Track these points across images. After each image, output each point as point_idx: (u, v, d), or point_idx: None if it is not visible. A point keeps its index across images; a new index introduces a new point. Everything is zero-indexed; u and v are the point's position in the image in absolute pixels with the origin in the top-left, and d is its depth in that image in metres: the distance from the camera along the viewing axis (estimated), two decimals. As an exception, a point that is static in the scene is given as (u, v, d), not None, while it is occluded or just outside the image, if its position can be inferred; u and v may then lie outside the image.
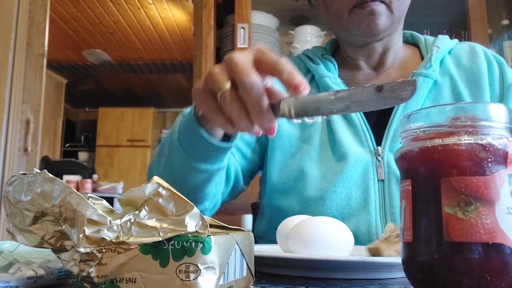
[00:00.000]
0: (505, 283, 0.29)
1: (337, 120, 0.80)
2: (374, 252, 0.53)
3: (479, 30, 1.92)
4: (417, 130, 0.32)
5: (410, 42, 0.92)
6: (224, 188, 0.79)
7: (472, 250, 0.29)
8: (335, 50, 0.93)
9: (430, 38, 0.89)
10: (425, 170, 0.31)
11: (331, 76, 0.84)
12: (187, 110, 0.67)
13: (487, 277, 0.29)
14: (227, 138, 0.64)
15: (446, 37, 0.88)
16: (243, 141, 0.84)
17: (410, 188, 0.32)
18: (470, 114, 0.31)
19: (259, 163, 0.88)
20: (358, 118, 0.80)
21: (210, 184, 0.69)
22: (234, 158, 0.82)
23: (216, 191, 0.74)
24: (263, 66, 0.47)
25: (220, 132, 0.62)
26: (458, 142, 0.30)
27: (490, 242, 0.28)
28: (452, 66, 0.83)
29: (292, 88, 0.45)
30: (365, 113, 0.80)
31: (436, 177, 0.30)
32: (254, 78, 0.46)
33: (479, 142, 0.30)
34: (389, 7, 0.77)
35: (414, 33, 0.93)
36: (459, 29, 2.02)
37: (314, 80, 0.87)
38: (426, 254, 0.31)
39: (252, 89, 0.46)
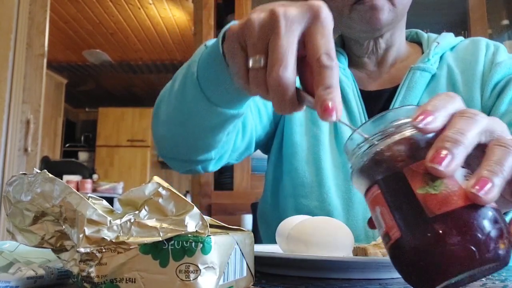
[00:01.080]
0: (496, 230, 0.31)
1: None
2: (360, 252, 0.53)
3: (479, 30, 1.92)
4: (364, 142, 0.36)
5: (415, 40, 0.92)
6: (240, 142, 0.77)
7: (458, 215, 0.31)
8: (342, 46, 0.93)
9: (433, 35, 0.89)
10: (386, 169, 0.35)
11: (341, 66, 0.85)
12: (211, 42, 0.58)
13: (480, 232, 0.31)
14: None
15: (451, 34, 0.88)
16: (263, 104, 0.82)
17: (379, 191, 0.35)
18: (401, 116, 0.36)
19: (269, 131, 0.87)
20: (359, 111, 0.81)
21: (222, 131, 0.64)
22: (251, 116, 0.79)
23: (227, 141, 0.70)
24: (307, 50, 0.40)
25: None
26: (405, 136, 0.35)
27: (466, 204, 0.31)
28: (451, 59, 0.83)
29: (320, 108, 0.38)
30: (367, 109, 0.81)
31: (398, 170, 0.34)
32: (287, 73, 0.39)
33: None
34: (390, 0, 0.76)
35: (419, 31, 0.92)
36: (459, 29, 2.02)
37: None
38: (418, 238, 0.32)
39: (280, 83, 0.39)
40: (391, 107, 0.79)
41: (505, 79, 0.77)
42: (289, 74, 0.39)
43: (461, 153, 0.33)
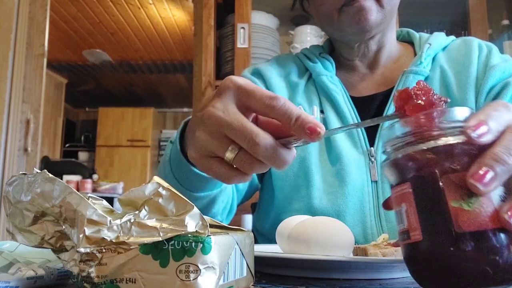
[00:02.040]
0: None
1: (332, 119, 0.81)
2: (360, 252, 0.53)
3: (479, 30, 1.92)
4: (406, 136, 0.35)
5: (407, 40, 0.92)
6: (242, 185, 0.81)
7: (485, 237, 0.31)
8: (332, 50, 0.94)
9: (425, 35, 0.88)
10: (424, 171, 0.34)
11: (328, 74, 0.85)
12: (174, 136, 0.62)
13: (502, 258, 0.31)
14: None
15: (442, 34, 0.88)
16: None
17: (410, 190, 0.34)
18: (450, 117, 0.34)
19: None
20: (351, 116, 0.80)
21: (216, 204, 0.68)
22: None
23: (226, 203, 0.74)
24: (255, 110, 0.43)
25: None
26: (452, 142, 0.33)
27: (496, 227, 0.31)
28: (443, 60, 0.83)
29: (307, 134, 0.40)
30: (360, 114, 0.81)
31: (436, 176, 0.33)
32: (263, 140, 0.41)
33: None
34: (378, 1, 0.76)
35: (411, 30, 0.92)
36: (460, 29, 2.02)
37: (311, 79, 0.87)
38: (440, 248, 0.32)
39: (266, 151, 0.41)
40: (385, 112, 0.79)
41: (500, 84, 0.76)
42: (266, 139, 0.41)
43: (504, 174, 0.32)
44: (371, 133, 0.79)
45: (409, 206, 0.34)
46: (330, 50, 0.93)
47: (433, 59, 0.83)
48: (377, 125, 0.79)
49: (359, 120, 0.80)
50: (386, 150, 0.37)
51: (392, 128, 0.36)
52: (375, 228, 0.74)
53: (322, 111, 0.83)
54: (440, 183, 0.33)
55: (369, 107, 0.82)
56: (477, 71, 0.79)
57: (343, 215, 0.75)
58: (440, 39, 0.85)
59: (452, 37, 0.88)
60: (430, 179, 0.33)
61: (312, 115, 0.82)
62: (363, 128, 0.79)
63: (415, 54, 0.86)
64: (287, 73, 0.89)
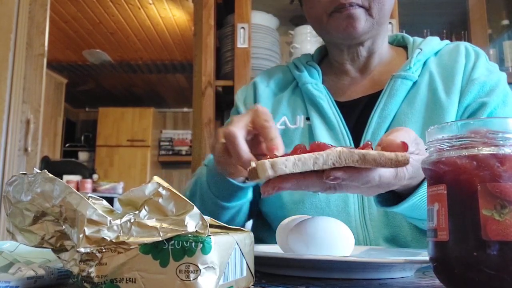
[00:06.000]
0: None
1: (318, 125, 0.81)
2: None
3: (479, 30, 1.92)
4: (451, 140, 0.36)
5: (401, 44, 0.92)
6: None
7: (509, 247, 0.32)
8: (323, 58, 0.95)
9: (418, 40, 0.88)
10: (463, 176, 0.35)
11: (313, 82, 0.86)
12: (208, 161, 0.80)
13: None
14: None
15: (435, 38, 0.88)
16: None
17: (445, 192, 0.35)
18: (498, 128, 0.35)
19: None
20: (337, 120, 0.81)
21: (240, 215, 0.79)
22: None
23: (245, 215, 0.83)
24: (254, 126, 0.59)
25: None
26: (495, 152, 0.34)
27: None
28: (433, 65, 0.83)
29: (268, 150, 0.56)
30: (344, 116, 0.81)
31: (473, 183, 0.34)
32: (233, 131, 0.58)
33: None
34: (368, 11, 0.77)
35: (405, 35, 0.92)
36: (459, 29, 2.02)
37: (298, 87, 0.88)
38: (464, 252, 0.34)
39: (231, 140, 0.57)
40: (371, 115, 0.79)
41: (477, 101, 0.76)
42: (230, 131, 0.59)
43: None
44: (358, 134, 0.79)
45: (441, 206, 0.36)
46: (321, 57, 0.94)
47: (424, 63, 0.83)
48: (363, 125, 0.79)
49: (343, 122, 0.81)
50: (429, 149, 0.38)
51: (439, 129, 0.37)
52: (360, 228, 0.74)
53: (308, 118, 0.83)
54: (476, 190, 0.34)
55: (354, 111, 0.83)
56: (462, 81, 0.79)
57: (326, 216, 0.75)
58: (432, 43, 0.85)
59: (446, 41, 0.88)
60: (467, 185, 0.34)
61: (295, 124, 0.83)
62: (347, 129, 0.80)
63: (407, 58, 0.86)
64: (274, 85, 0.92)
